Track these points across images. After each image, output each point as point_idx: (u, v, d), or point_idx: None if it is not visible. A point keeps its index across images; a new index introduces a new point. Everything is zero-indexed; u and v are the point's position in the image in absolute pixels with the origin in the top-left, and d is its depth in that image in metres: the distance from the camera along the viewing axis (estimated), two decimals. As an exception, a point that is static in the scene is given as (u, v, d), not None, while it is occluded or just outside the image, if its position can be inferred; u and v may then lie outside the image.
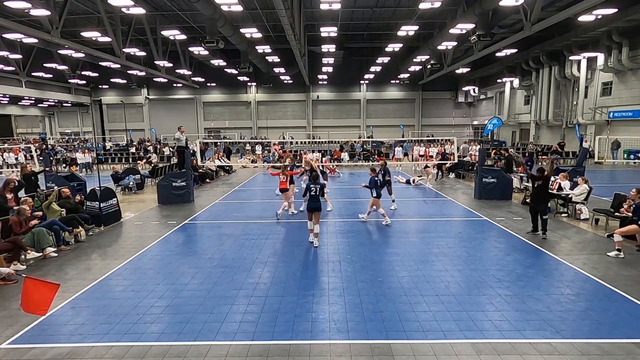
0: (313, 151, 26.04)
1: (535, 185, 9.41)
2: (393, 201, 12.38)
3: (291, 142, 36.34)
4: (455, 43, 26.22)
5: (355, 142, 32.79)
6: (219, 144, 30.66)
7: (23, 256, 7.78)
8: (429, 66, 33.52)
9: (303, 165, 14.66)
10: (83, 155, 24.24)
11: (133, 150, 31.23)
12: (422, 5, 17.88)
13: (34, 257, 7.89)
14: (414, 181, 17.54)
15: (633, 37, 22.78)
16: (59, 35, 18.19)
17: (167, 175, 14.43)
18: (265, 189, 17.00)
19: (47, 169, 13.84)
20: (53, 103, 44.71)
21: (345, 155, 26.72)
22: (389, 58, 32.50)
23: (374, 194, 10.47)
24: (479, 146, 23.43)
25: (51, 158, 14.47)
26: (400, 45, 27.74)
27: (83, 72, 36.61)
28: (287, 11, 17.81)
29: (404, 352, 4.67)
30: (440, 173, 19.51)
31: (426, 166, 18.10)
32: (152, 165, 22.18)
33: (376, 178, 10.67)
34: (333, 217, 11.58)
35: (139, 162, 25.43)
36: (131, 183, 16.30)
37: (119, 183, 16.22)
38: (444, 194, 15.28)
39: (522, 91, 36.30)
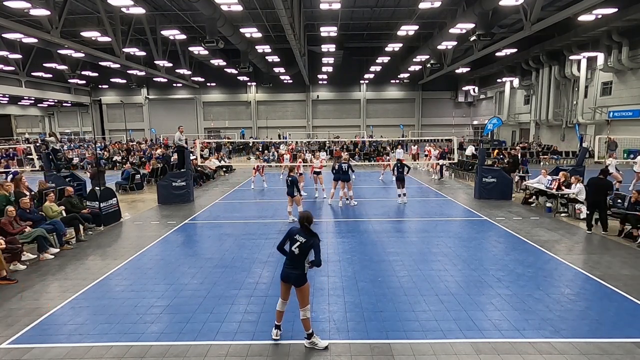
0: (320, 150, 26.47)
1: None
2: (346, 198, 13.22)
3: (298, 143, 36.23)
4: (455, 43, 26.23)
5: (352, 141, 32.87)
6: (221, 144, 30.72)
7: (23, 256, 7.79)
8: (428, 66, 33.53)
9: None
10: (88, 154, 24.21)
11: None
12: (422, 5, 17.89)
13: (29, 259, 7.86)
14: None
15: (633, 36, 22.79)
16: (58, 35, 18.19)
17: (167, 175, 14.43)
18: (265, 189, 16.98)
19: (46, 170, 13.81)
20: (53, 103, 44.70)
21: (345, 155, 26.71)
22: (388, 58, 32.50)
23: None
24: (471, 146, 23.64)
25: (51, 157, 14.42)
26: (400, 45, 27.75)
27: (83, 72, 36.56)
28: (287, 11, 17.82)
29: (403, 351, 4.67)
30: (440, 173, 19.60)
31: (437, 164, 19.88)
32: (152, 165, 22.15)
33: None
34: (333, 217, 11.58)
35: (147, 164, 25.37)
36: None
37: (119, 183, 16.24)
38: (444, 193, 15.28)
39: (522, 91, 36.31)
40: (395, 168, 13.47)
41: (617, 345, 4.72)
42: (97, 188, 10.73)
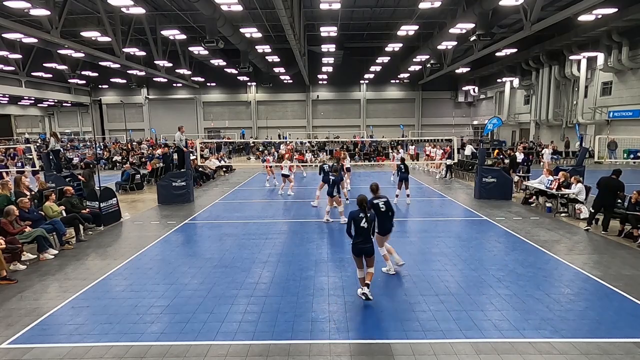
0: (320, 150, 26.53)
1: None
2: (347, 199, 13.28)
3: (302, 143, 36.13)
4: (455, 43, 26.21)
5: (351, 141, 32.86)
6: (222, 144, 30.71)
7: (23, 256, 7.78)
8: (428, 66, 33.53)
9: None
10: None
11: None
12: (422, 5, 17.86)
13: (28, 259, 7.85)
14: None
15: (633, 36, 22.78)
16: (58, 35, 18.17)
17: (167, 175, 14.43)
18: (265, 188, 16.98)
19: (46, 170, 13.83)
20: (53, 103, 44.68)
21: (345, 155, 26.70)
22: (388, 58, 32.45)
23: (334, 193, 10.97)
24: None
25: (51, 157, 14.42)
26: (400, 45, 27.70)
27: (83, 72, 36.50)
28: (287, 11, 17.81)
29: (403, 351, 4.67)
30: (448, 173, 19.65)
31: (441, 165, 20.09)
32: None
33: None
34: (332, 217, 11.55)
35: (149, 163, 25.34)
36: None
37: (119, 183, 16.25)
38: (444, 193, 15.28)
39: (522, 91, 36.30)
40: (399, 168, 13.28)
41: (617, 345, 4.72)
42: (97, 188, 10.73)
